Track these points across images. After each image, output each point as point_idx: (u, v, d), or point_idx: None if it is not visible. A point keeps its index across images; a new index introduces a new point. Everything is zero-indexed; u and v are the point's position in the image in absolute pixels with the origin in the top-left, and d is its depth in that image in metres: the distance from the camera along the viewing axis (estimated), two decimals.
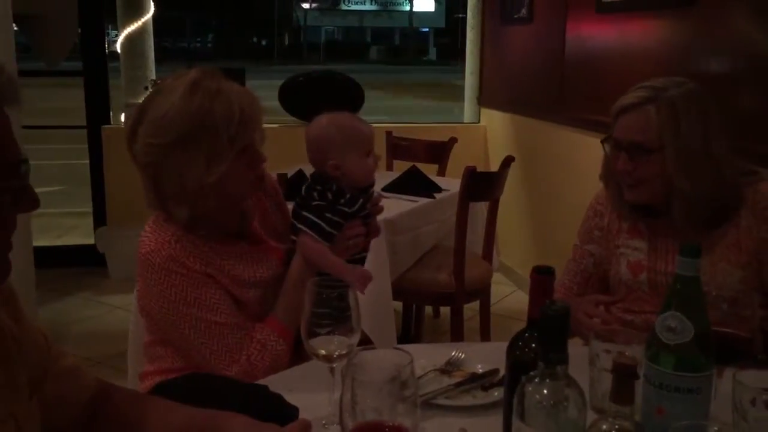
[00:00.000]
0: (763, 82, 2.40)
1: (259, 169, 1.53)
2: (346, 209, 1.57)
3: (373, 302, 2.50)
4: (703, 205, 1.60)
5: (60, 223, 5.82)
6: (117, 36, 4.73)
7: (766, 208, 1.61)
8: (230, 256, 1.52)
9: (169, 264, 1.45)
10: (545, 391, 0.86)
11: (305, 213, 1.58)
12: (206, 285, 1.47)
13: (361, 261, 1.67)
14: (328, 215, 1.55)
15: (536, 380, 0.87)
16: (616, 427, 0.92)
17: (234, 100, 1.43)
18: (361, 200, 1.60)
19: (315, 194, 1.59)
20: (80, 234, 5.29)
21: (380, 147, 4.11)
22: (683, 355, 1.02)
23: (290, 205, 1.79)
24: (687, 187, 1.58)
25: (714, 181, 1.59)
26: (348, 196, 1.58)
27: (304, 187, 1.63)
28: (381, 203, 1.69)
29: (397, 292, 2.89)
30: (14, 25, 3.25)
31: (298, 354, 1.52)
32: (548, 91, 4.00)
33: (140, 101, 1.51)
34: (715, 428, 0.93)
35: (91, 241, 4.62)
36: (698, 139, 1.58)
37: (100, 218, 4.66)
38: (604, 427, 0.93)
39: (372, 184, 1.67)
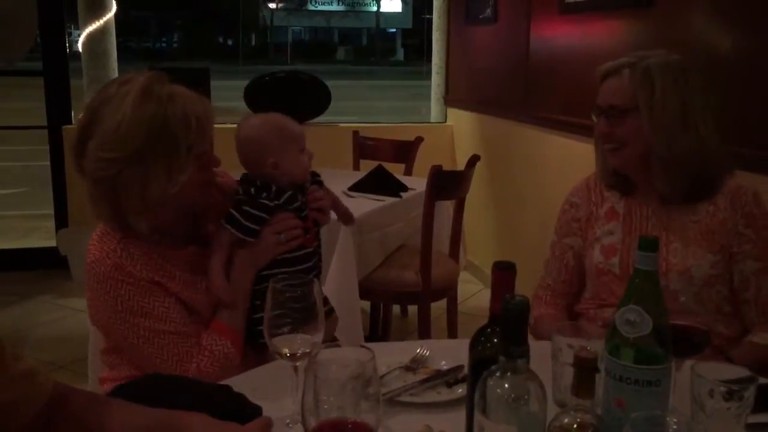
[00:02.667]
0: (719, 80, 2.45)
1: (211, 173, 1.50)
2: (267, 202, 1.54)
3: (340, 302, 2.49)
4: (681, 169, 1.64)
5: (21, 225, 5.71)
6: (78, 36, 4.65)
7: (746, 204, 1.64)
8: (180, 261, 1.50)
9: (114, 273, 1.41)
10: (506, 386, 0.86)
11: (230, 209, 1.55)
12: (154, 293, 1.44)
13: (307, 259, 1.62)
14: (245, 208, 1.53)
15: (497, 374, 0.87)
16: (578, 420, 0.93)
17: (188, 106, 1.40)
18: (289, 193, 1.58)
19: (239, 191, 1.59)
20: (42, 236, 5.19)
21: (347, 146, 4.12)
22: (642, 348, 1.03)
23: None
24: (663, 150, 1.62)
25: (692, 148, 1.62)
26: (273, 189, 1.56)
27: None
28: (320, 194, 1.66)
29: (364, 292, 2.88)
30: None
31: (262, 355, 1.51)
32: (513, 90, 4.03)
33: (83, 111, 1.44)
34: (674, 420, 0.95)
35: (52, 243, 4.53)
36: (675, 105, 1.62)
37: (61, 220, 4.58)
38: (566, 420, 0.94)
39: (315, 178, 1.67)
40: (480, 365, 0.95)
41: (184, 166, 1.39)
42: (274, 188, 1.56)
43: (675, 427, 0.93)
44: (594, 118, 1.75)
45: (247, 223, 1.52)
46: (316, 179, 1.69)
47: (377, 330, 3.57)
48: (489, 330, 1.01)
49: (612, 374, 1.04)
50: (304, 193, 1.62)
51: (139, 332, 1.42)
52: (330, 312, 1.71)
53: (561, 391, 1.19)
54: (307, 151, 1.63)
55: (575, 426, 0.93)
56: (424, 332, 3.00)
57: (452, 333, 3.16)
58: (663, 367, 1.04)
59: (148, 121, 1.36)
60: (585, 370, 0.92)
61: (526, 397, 0.86)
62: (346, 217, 1.80)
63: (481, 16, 4.44)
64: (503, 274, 0.97)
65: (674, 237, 1.67)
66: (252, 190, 1.56)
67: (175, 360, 1.43)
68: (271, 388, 1.26)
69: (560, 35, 3.55)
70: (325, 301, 1.69)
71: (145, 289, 1.43)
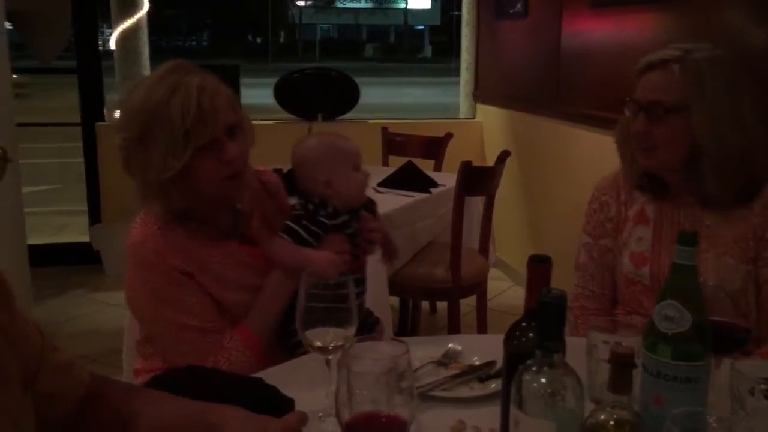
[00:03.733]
0: (756, 74, 2.40)
1: (230, 167, 1.44)
2: (325, 221, 1.56)
3: (370, 298, 2.49)
4: (733, 169, 1.56)
5: (55, 221, 5.80)
6: (111, 34, 4.71)
7: None
8: (218, 254, 1.50)
9: (151, 258, 1.44)
10: (543, 380, 0.86)
11: (286, 221, 1.57)
12: (183, 285, 1.45)
13: (359, 284, 1.61)
14: (305, 223, 1.55)
15: (533, 369, 0.86)
16: (614, 416, 0.92)
17: (192, 93, 1.39)
18: (344, 217, 1.58)
19: (298, 206, 1.60)
20: (75, 232, 5.27)
21: (376, 142, 4.12)
22: (681, 345, 1.01)
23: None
24: (714, 149, 1.55)
25: (743, 147, 1.55)
26: (330, 209, 1.57)
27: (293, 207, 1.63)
28: (375, 225, 1.63)
29: (394, 288, 2.88)
30: (8, 22, 3.23)
31: (290, 351, 1.50)
32: (544, 86, 4.00)
33: None
34: (713, 417, 0.93)
35: (86, 238, 4.61)
36: (725, 103, 1.55)
37: (94, 215, 4.65)
38: (602, 416, 0.93)
39: (368, 206, 1.65)
40: (515, 360, 0.94)
41: (179, 153, 1.38)
42: (329, 208, 1.57)
43: (715, 425, 0.91)
44: (627, 113, 1.65)
45: (307, 237, 1.54)
46: (371, 208, 1.67)
47: (406, 326, 3.56)
48: (524, 324, 1.00)
49: (649, 370, 1.03)
50: (359, 221, 1.61)
51: (164, 321, 1.44)
52: (376, 322, 1.73)
53: (596, 388, 1.18)
54: (362, 170, 1.60)
55: (612, 423, 0.92)
56: (454, 329, 2.99)
57: (482, 330, 3.15)
58: (702, 363, 1.02)
59: (153, 104, 1.38)
60: (622, 365, 0.91)
61: (562, 392, 0.85)
62: (390, 255, 1.73)
63: (511, 11, 4.41)
64: (539, 267, 0.96)
65: (707, 245, 1.58)
66: (310, 206, 1.57)
67: (193, 354, 1.43)
68: (303, 382, 1.27)
69: (592, 29, 3.51)
70: (369, 312, 1.71)
71: (176, 280, 1.44)
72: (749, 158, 1.56)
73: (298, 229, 1.54)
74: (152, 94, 1.39)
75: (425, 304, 3.82)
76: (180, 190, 1.43)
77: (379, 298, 2.68)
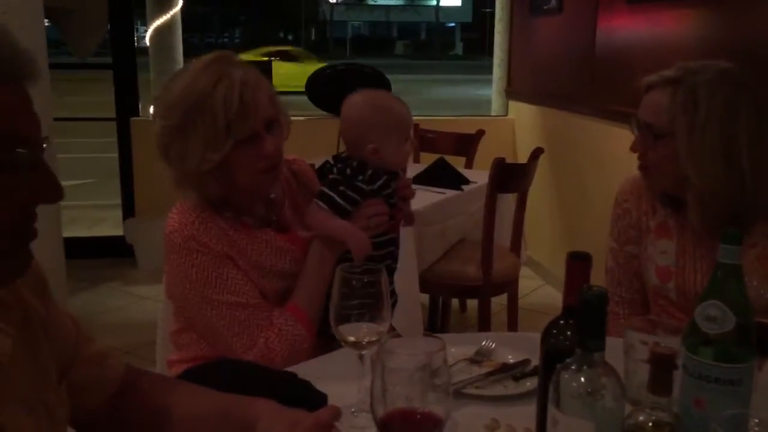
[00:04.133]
0: None
1: (267, 160, 1.45)
2: (363, 186, 1.52)
3: (400, 294, 2.48)
4: (716, 205, 1.48)
5: (90, 214, 5.89)
6: (146, 31, 4.77)
7: None
8: (254, 242, 1.50)
9: (189, 243, 1.44)
10: (582, 379, 0.84)
11: (321, 188, 1.54)
12: (227, 265, 1.45)
13: (390, 244, 1.62)
14: (341, 188, 1.51)
15: (573, 367, 0.84)
16: (653, 418, 0.90)
17: (236, 87, 1.39)
18: (384, 178, 1.54)
19: (334, 170, 1.56)
20: (109, 225, 5.35)
21: (413, 139, 4.10)
22: (724, 346, 0.98)
23: None
24: (697, 182, 1.47)
25: (732, 184, 1.46)
26: (369, 172, 1.53)
27: (326, 165, 1.61)
28: (408, 181, 1.62)
29: (424, 285, 2.87)
30: (46, 19, 3.28)
31: (326, 344, 1.51)
32: (578, 83, 3.95)
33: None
34: (755, 420, 0.90)
35: (120, 232, 4.67)
36: (718, 134, 1.45)
37: (128, 210, 4.71)
38: (641, 418, 0.91)
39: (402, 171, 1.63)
40: (552, 358, 0.92)
41: (219, 146, 1.39)
42: (369, 171, 1.53)
43: (757, 428, 0.89)
44: (633, 128, 1.61)
45: (343, 203, 1.50)
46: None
47: (436, 324, 3.55)
48: (562, 322, 0.98)
49: (690, 372, 1.00)
50: (395, 180, 1.58)
51: (211, 303, 1.44)
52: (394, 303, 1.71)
53: (633, 388, 1.15)
54: (411, 139, 1.57)
55: (650, 424, 0.90)
56: (484, 327, 2.96)
57: (512, 328, 3.12)
58: (745, 366, 0.99)
59: (197, 96, 1.38)
60: (662, 366, 0.89)
61: (602, 392, 0.83)
62: (408, 217, 1.73)
63: (545, 7, 4.36)
64: (579, 263, 0.94)
65: None
66: (348, 170, 1.53)
67: (245, 333, 1.44)
68: (334, 377, 1.26)
69: (628, 26, 3.46)
70: (391, 292, 1.69)
71: (219, 260, 1.45)
72: (736, 196, 1.47)
73: (334, 195, 1.51)
74: (195, 83, 1.39)
75: (455, 302, 3.80)
76: (216, 181, 1.43)
77: (411, 295, 2.67)
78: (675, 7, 3.04)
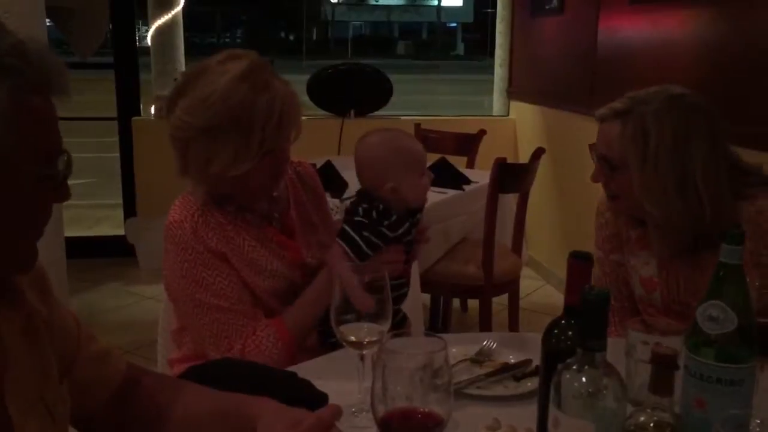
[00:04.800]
0: None
1: (282, 169, 1.51)
2: (388, 232, 1.51)
3: None
4: (677, 233, 1.48)
5: (91, 214, 5.90)
6: (147, 31, 4.77)
7: (766, 232, 1.44)
8: (253, 237, 1.51)
9: (188, 238, 1.45)
10: (583, 379, 0.84)
11: (345, 227, 1.53)
12: (217, 267, 1.46)
13: (401, 286, 1.60)
14: (366, 234, 1.50)
15: (574, 367, 0.84)
16: (655, 418, 0.90)
17: (277, 101, 1.41)
18: (407, 224, 1.53)
19: (360, 210, 1.53)
20: (111, 225, 5.35)
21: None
22: (725, 346, 0.98)
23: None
24: (654, 213, 1.47)
25: (686, 214, 1.44)
26: (394, 218, 1.51)
27: (350, 202, 1.59)
28: (428, 234, 1.63)
29: (425, 285, 2.86)
30: (47, 18, 3.28)
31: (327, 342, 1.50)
32: (580, 83, 3.94)
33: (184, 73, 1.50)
34: (757, 420, 0.90)
35: (121, 232, 4.67)
36: (671, 167, 1.43)
37: (130, 209, 4.71)
38: (643, 418, 0.91)
39: (422, 208, 1.61)
40: (553, 358, 0.92)
41: (250, 157, 1.40)
42: (394, 217, 1.52)
43: (758, 429, 0.89)
44: (592, 158, 1.59)
45: (366, 249, 1.49)
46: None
47: (437, 324, 3.55)
48: (563, 322, 0.98)
49: (692, 372, 1.00)
50: (416, 225, 1.57)
51: (195, 301, 1.45)
52: (404, 318, 1.70)
53: (635, 389, 1.15)
54: (427, 173, 1.56)
55: (652, 425, 0.90)
56: (485, 327, 2.96)
57: (513, 328, 3.12)
58: (747, 366, 0.99)
59: (236, 102, 1.38)
60: (663, 367, 0.89)
61: (604, 392, 0.83)
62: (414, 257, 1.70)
63: (547, 7, 4.36)
64: (581, 264, 0.94)
65: (706, 277, 1.45)
66: (373, 213, 1.52)
67: (223, 336, 1.44)
68: (335, 377, 1.26)
69: (630, 27, 3.45)
70: (398, 311, 1.66)
71: (211, 261, 1.46)
72: (695, 224, 1.46)
73: (359, 241, 1.49)
74: (235, 90, 1.38)
75: (456, 302, 3.80)
76: (231, 182, 1.44)
77: (412, 295, 2.66)
78: (677, 7, 3.03)
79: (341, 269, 1.47)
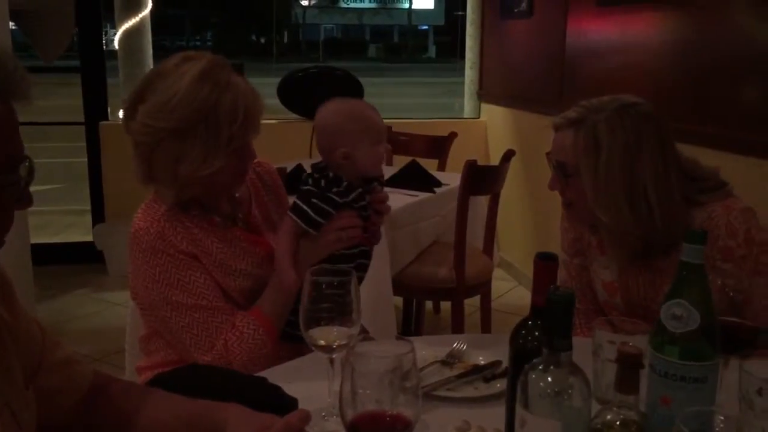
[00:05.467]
0: (764, 72, 2.39)
1: (248, 165, 1.52)
2: (336, 198, 1.51)
3: (374, 297, 2.49)
4: (627, 240, 1.50)
5: (58, 220, 5.81)
6: (114, 34, 4.71)
7: (719, 237, 1.46)
8: (220, 239, 1.51)
9: (156, 243, 1.44)
10: (549, 379, 0.84)
11: (295, 199, 1.54)
12: (191, 267, 1.46)
13: (361, 256, 1.61)
14: (314, 201, 1.50)
15: (540, 368, 0.85)
16: (621, 417, 0.91)
17: (240, 98, 1.42)
18: (358, 190, 1.54)
19: (309, 180, 1.55)
20: (79, 231, 5.27)
21: (388, 145, 4.10)
22: (689, 344, 1.00)
23: (291, 200, 1.77)
24: (605, 221, 1.49)
25: (637, 222, 1.47)
26: (344, 184, 1.53)
27: (303, 176, 1.60)
28: (384, 195, 1.62)
29: (397, 287, 2.87)
30: (11, 22, 3.23)
31: (296, 349, 1.50)
32: (548, 85, 3.98)
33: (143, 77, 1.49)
34: (721, 417, 0.92)
35: (89, 238, 4.61)
36: (621, 174, 1.46)
37: (98, 215, 4.65)
38: (609, 417, 0.92)
39: (379, 177, 1.61)
40: (520, 358, 0.93)
41: (220, 154, 1.41)
42: (344, 183, 1.52)
43: (722, 425, 0.90)
44: (549, 165, 1.61)
45: (315, 216, 1.50)
46: (379, 180, 1.62)
47: (410, 326, 3.55)
48: (530, 323, 0.98)
49: (657, 370, 1.01)
50: (371, 192, 1.57)
51: (172, 304, 1.44)
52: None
53: (602, 388, 1.17)
54: (384, 144, 1.57)
55: (618, 423, 0.91)
56: (458, 329, 2.97)
57: (486, 330, 3.14)
58: (710, 363, 1.00)
59: (199, 102, 1.38)
60: (629, 365, 0.90)
61: (570, 391, 0.84)
62: (375, 235, 1.70)
63: (516, 10, 4.40)
64: (546, 264, 0.95)
65: (665, 280, 1.51)
66: (322, 182, 1.53)
67: (204, 334, 1.44)
68: (305, 381, 1.26)
69: (598, 29, 3.50)
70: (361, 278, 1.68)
71: (183, 262, 1.45)
72: (647, 232, 1.48)
73: (306, 208, 1.50)
74: (198, 90, 1.39)
75: (429, 304, 3.81)
76: (200, 183, 1.44)
77: (383, 298, 2.67)
78: (643, 9, 3.07)
79: (278, 240, 1.50)
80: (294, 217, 1.51)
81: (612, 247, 1.55)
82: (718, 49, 2.59)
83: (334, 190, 1.52)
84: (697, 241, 1.00)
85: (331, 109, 1.57)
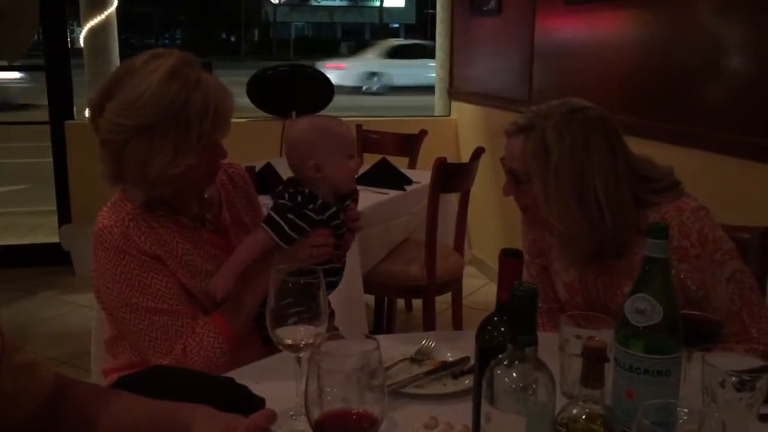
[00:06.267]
0: (728, 72, 2.43)
1: (217, 163, 1.51)
2: (312, 215, 1.51)
3: (345, 296, 2.48)
4: (579, 244, 1.51)
5: (25, 221, 5.71)
6: (80, 32, 4.64)
7: (672, 238, 1.44)
8: (187, 240, 1.50)
9: (119, 243, 1.42)
10: (514, 374, 0.85)
11: (270, 211, 1.54)
12: (154, 270, 1.44)
13: (332, 273, 1.61)
14: (290, 216, 1.50)
15: (505, 363, 0.85)
16: (587, 410, 0.92)
17: (210, 95, 1.41)
18: (333, 209, 1.54)
19: (285, 195, 1.54)
20: (45, 233, 5.19)
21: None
22: (653, 338, 1.01)
23: (260, 198, 1.76)
24: (557, 225, 1.50)
25: (588, 224, 1.47)
26: (319, 202, 1.52)
27: (277, 189, 1.59)
28: (357, 214, 1.63)
29: (368, 286, 2.87)
30: None
31: (267, 346, 1.49)
32: (517, 83, 4.01)
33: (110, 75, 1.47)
34: (685, 410, 0.93)
35: (56, 239, 4.53)
36: (568, 180, 1.46)
37: (64, 215, 4.57)
38: (575, 411, 0.92)
39: (352, 194, 1.61)
40: (486, 355, 0.93)
41: (190, 151, 1.40)
42: (319, 201, 1.52)
43: (686, 417, 0.91)
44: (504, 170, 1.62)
45: (290, 232, 1.50)
46: (353, 196, 1.63)
47: (382, 324, 3.55)
48: (496, 319, 0.99)
49: (621, 364, 1.03)
50: (345, 210, 1.58)
51: (131, 306, 1.43)
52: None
53: (569, 383, 1.18)
54: (356, 158, 1.58)
55: (584, 417, 0.92)
56: (429, 326, 2.98)
57: (457, 327, 3.15)
58: (673, 357, 1.02)
59: (169, 99, 1.37)
60: (594, 360, 0.90)
61: (534, 386, 0.85)
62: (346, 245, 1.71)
63: (485, 8, 4.42)
64: (510, 260, 0.95)
65: (625, 280, 1.51)
66: (299, 198, 1.52)
67: (162, 338, 1.42)
68: (273, 380, 1.25)
69: (566, 27, 3.53)
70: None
71: (146, 264, 1.44)
72: (598, 234, 1.49)
73: (282, 223, 1.50)
74: (167, 87, 1.37)
75: (401, 302, 3.81)
76: (170, 182, 1.42)
77: (354, 297, 2.67)
78: (611, 8, 3.11)
79: (240, 248, 1.50)
80: (268, 230, 1.50)
81: (565, 250, 1.56)
82: (683, 47, 2.63)
83: (310, 206, 1.52)
84: (659, 236, 1.02)
85: (302, 126, 1.57)
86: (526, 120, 1.52)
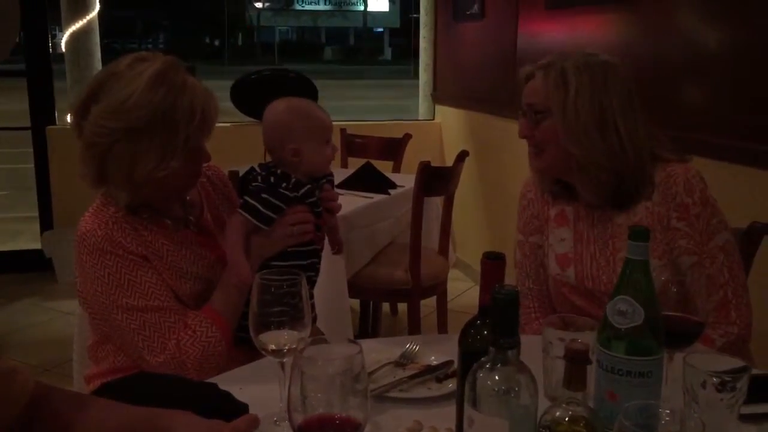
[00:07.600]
0: (705, 74, 2.45)
1: (202, 166, 1.52)
2: (287, 193, 1.53)
3: (329, 300, 2.47)
4: (601, 174, 1.56)
5: (7, 228, 5.65)
6: (62, 36, 4.60)
7: (677, 194, 1.55)
8: (172, 242, 1.50)
9: (104, 245, 1.42)
10: (497, 377, 0.85)
11: (245, 196, 1.55)
12: (140, 267, 1.43)
13: (314, 255, 1.63)
14: (264, 196, 1.51)
15: (487, 366, 0.85)
16: (569, 413, 0.92)
17: (197, 99, 1.42)
18: (307, 186, 1.56)
19: (259, 178, 1.56)
20: (27, 239, 5.14)
21: (335, 144, 4.09)
22: (634, 340, 1.02)
23: None
24: (577, 154, 1.56)
25: (609, 154, 1.54)
26: (293, 180, 1.54)
27: (251, 174, 1.60)
28: (334, 194, 1.64)
29: (353, 290, 2.86)
30: None
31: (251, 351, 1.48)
32: (500, 86, 4.03)
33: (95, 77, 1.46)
34: (667, 411, 0.93)
35: (38, 245, 4.49)
36: (590, 108, 1.54)
37: (46, 222, 4.53)
38: (558, 413, 0.92)
39: (327, 176, 1.64)
40: (469, 358, 0.93)
41: (177, 155, 1.41)
42: (293, 179, 1.54)
43: (668, 418, 0.92)
44: (519, 117, 1.69)
45: (266, 211, 1.51)
46: (328, 178, 1.65)
47: (367, 329, 3.55)
48: (478, 322, 0.99)
49: (603, 366, 1.03)
50: (320, 188, 1.60)
51: (121, 307, 1.41)
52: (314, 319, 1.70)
53: (552, 386, 1.18)
54: (332, 144, 1.60)
55: (567, 419, 0.92)
56: (414, 330, 2.98)
57: (442, 331, 3.15)
58: (655, 358, 1.02)
59: (156, 103, 1.37)
60: (576, 362, 0.91)
61: (516, 389, 0.85)
62: (337, 244, 1.75)
63: (468, 13, 4.44)
64: (492, 264, 0.95)
65: (621, 245, 1.58)
66: (271, 178, 1.54)
67: (155, 336, 1.41)
68: (258, 386, 1.24)
69: (547, 31, 3.55)
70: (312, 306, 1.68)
71: (132, 262, 1.43)
72: (616, 162, 1.55)
73: (257, 204, 1.51)
74: (154, 91, 1.37)
75: (386, 306, 3.81)
76: (154, 183, 1.42)
77: (339, 301, 2.66)
78: (591, 12, 3.13)
79: (225, 237, 1.51)
80: (245, 214, 1.51)
81: (584, 186, 1.60)
82: (662, 50, 2.66)
83: (284, 185, 1.53)
84: (640, 238, 1.02)
85: (281, 107, 1.59)
86: (545, 60, 1.61)
